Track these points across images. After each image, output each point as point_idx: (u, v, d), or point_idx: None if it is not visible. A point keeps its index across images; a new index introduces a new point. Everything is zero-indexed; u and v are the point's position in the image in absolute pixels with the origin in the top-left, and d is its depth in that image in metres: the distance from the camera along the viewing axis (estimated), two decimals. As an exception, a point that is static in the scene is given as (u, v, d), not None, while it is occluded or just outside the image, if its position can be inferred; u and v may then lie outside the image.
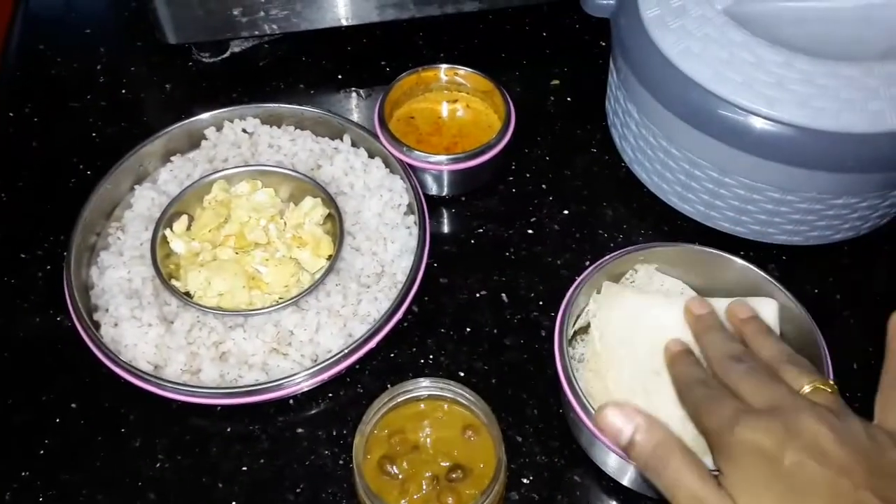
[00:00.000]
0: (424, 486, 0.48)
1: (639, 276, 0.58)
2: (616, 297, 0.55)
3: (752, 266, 0.55)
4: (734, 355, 0.44)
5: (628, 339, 0.54)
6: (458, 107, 0.70)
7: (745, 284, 0.55)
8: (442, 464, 0.49)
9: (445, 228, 0.67)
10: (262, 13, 0.72)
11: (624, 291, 0.56)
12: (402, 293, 0.58)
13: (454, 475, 0.48)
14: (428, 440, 0.50)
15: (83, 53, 0.79)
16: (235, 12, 0.71)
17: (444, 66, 0.69)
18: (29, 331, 0.61)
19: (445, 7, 0.75)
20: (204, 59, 0.78)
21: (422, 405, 0.51)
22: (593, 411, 0.48)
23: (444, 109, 0.70)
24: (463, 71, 0.69)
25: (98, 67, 0.78)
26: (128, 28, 0.80)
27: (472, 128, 0.69)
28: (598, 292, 0.56)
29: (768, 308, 0.53)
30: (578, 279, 0.56)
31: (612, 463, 0.52)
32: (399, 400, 0.51)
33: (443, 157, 0.64)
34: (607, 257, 0.56)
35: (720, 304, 0.52)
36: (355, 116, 0.74)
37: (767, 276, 0.54)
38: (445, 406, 0.51)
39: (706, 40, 0.57)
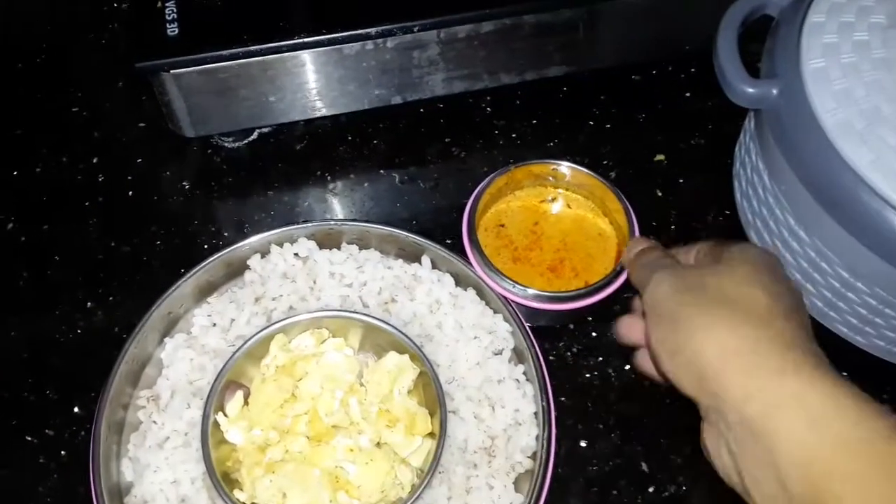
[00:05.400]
0: None
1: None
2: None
3: None
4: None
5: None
6: (557, 207, 0.57)
7: None
8: None
9: (552, 369, 0.55)
10: (304, 97, 0.57)
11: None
12: (534, 495, 0.46)
13: None
14: None
15: (70, 141, 0.63)
16: (272, 98, 0.56)
17: (541, 162, 0.56)
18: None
19: (526, 73, 0.61)
20: (226, 145, 0.63)
21: None
22: None
23: (541, 212, 0.57)
24: (565, 166, 0.56)
25: (94, 161, 0.62)
26: (125, 107, 0.64)
27: (578, 236, 0.56)
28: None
29: None
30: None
31: None
32: None
33: (558, 294, 0.51)
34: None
35: None
36: (425, 215, 0.60)
37: None
38: None
39: (914, 155, 0.44)
